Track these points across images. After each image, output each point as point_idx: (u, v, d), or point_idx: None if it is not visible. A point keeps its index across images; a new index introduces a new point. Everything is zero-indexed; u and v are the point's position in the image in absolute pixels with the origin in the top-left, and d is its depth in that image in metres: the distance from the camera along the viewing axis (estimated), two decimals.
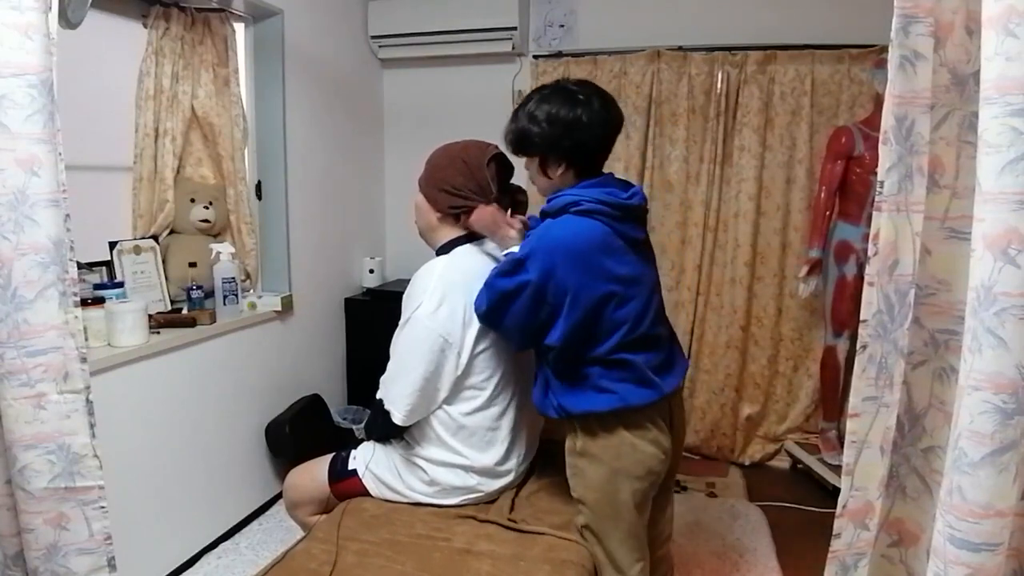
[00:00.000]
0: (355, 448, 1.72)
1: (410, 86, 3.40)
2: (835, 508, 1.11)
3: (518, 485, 1.67)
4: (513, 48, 3.09)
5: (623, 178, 1.58)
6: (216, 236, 2.49)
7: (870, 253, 1.03)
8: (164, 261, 2.31)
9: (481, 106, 3.12)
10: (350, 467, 1.68)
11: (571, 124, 1.40)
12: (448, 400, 1.55)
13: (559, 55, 3.10)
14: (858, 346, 1.05)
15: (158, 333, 2.10)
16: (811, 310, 2.92)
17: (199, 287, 2.32)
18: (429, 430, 1.58)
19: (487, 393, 1.56)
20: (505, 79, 3.20)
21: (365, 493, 1.65)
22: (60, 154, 1.15)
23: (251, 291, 2.61)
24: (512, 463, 1.62)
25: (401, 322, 1.55)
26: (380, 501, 1.63)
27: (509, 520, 1.54)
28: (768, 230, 2.92)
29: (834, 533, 1.11)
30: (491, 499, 1.61)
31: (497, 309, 1.44)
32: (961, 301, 0.98)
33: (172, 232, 2.39)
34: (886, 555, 1.13)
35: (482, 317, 1.50)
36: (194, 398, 2.25)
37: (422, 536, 1.50)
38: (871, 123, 2.53)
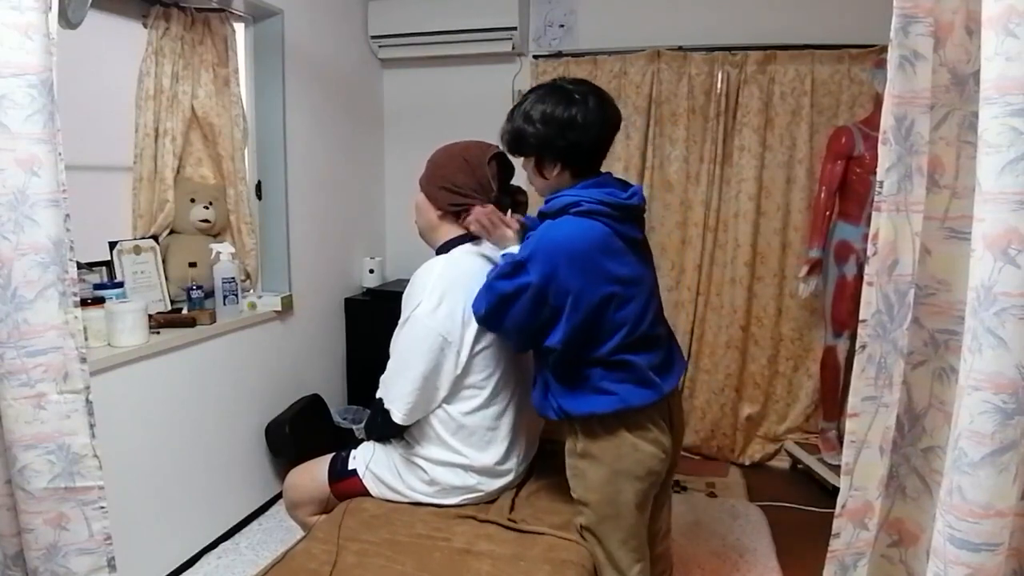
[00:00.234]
0: (355, 448, 1.72)
1: (410, 86, 3.40)
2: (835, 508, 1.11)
3: (518, 485, 1.67)
4: (513, 48, 3.09)
5: (621, 178, 1.58)
6: (216, 236, 2.49)
7: (869, 253, 1.03)
8: (164, 261, 2.31)
9: (481, 106, 3.11)
10: (350, 467, 1.68)
11: (566, 124, 1.39)
12: (447, 399, 1.55)
13: (559, 55, 3.10)
14: (857, 346, 1.06)
15: (158, 333, 2.10)
16: (811, 310, 2.92)
17: (199, 287, 2.32)
18: (429, 429, 1.58)
19: (486, 392, 1.56)
20: (505, 79, 3.20)
21: (365, 493, 1.65)
22: (60, 154, 1.15)
23: (251, 291, 2.61)
24: (512, 463, 1.62)
25: (400, 321, 1.55)
26: (380, 501, 1.63)
27: (509, 520, 1.54)
28: (768, 230, 2.92)
29: (833, 533, 1.11)
30: (491, 499, 1.61)
31: (497, 312, 1.44)
32: (961, 301, 0.98)
33: (172, 232, 2.39)
34: (886, 555, 1.13)
35: (481, 319, 1.49)
36: (194, 398, 2.25)
37: (422, 536, 1.50)
38: (871, 123, 2.53)
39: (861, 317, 1.04)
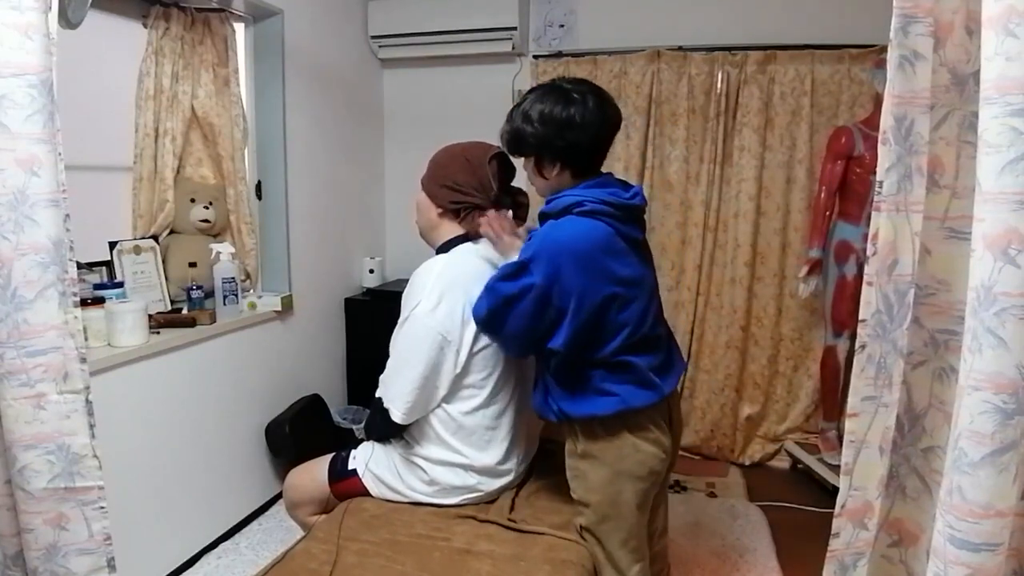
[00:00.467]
0: (355, 448, 1.72)
1: (410, 86, 3.40)
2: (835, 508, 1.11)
3: (518, 485, 1.67)
4: (513, 48, 3.09)
5: (622, 178, 1.58)
6: (216, 236, 2.49)
7: (869, 253, 1.03)
8: (164, 261, 2.31)
9: (481, 106, 3.12)
10: (350, 467, 1.68)
11: (564, 123, 1.39)
12: (447, 399, 1.55)
13: (559, 55, 3.10)
14: (857, 346, 1.05)
15: (158, 333, 2.10)
16: (811, 310, 2.92)
17: (199, 287, 2.32)
18: (428, 429, 1.58)
19: (486, 392, 1.56)
20: (505, 79, 3.20)
21: (365, 493, 1.65)
22: (60, 154, 1.15)
23: (251, 291, 2.61)
24: (512, 462, 1.62)
25: (400, 320, 1.55)
26: (380, 501, 1.63)
27: (509, 520, 1.54)
28: (768, 230, 2.92)
29: (833, 533, 1.11)
30: (491, 499, 1.61)
31: (499, 314, 1.43)
32: (961, 301, 0.98)
33: (172, 232, 2.39)
34: (886, 555, 1.13)
35: (482, 322, 1.48)
36: (194, 398, 2.25)
37: (422, 536, 1.50)
38: (871, 123, 2.53)
39: (861, 317, 1.04)
